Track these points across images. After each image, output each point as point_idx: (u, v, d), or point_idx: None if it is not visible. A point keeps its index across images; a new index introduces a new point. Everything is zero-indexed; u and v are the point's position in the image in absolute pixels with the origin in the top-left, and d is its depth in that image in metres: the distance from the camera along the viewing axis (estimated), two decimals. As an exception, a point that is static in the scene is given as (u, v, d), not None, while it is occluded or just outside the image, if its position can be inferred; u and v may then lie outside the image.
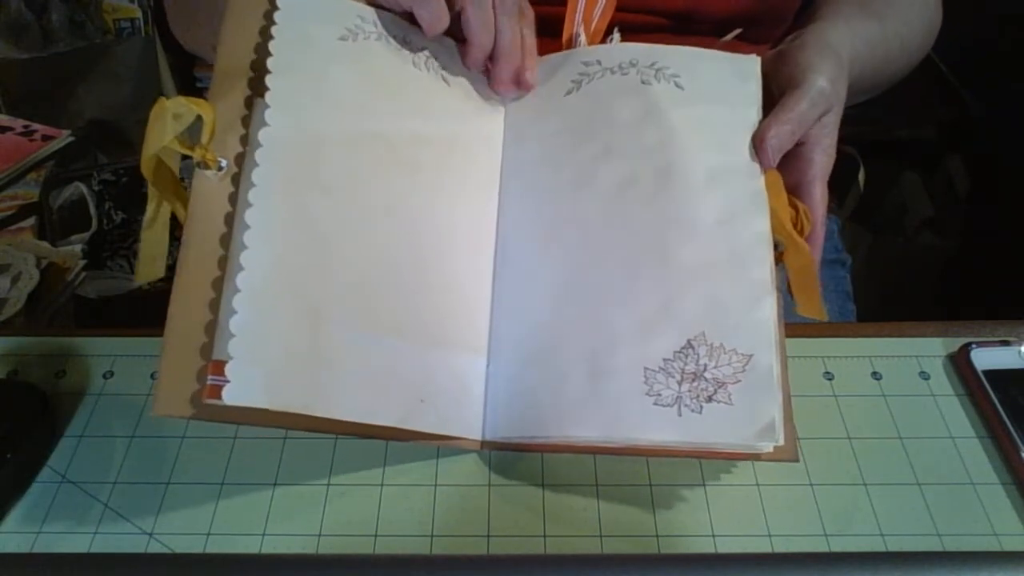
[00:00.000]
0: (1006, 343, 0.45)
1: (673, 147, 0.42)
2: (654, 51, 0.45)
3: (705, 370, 0.37)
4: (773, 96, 0.43)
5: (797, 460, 0.39)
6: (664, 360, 0.37)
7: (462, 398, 0.40)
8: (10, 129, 0.96)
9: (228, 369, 0.32)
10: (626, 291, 0.39)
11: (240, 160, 0.37)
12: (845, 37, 0.46)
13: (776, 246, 0.40)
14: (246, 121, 0.38)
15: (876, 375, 0.45)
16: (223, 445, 0.41)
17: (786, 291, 0.42)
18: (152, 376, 0.45)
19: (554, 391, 0.38)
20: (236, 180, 0.37)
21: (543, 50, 0.47)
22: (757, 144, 0.41)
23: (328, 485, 0.39)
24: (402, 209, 0.40)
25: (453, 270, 0.41)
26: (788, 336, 0.40)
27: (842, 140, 0.45)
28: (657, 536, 0.37)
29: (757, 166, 0.41)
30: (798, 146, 0.43)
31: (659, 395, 0.37)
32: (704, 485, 0.39)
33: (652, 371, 0.37)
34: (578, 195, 0.43)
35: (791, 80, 0.42)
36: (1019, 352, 0.44)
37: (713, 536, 0.37)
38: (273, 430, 0.41)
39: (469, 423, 0.40)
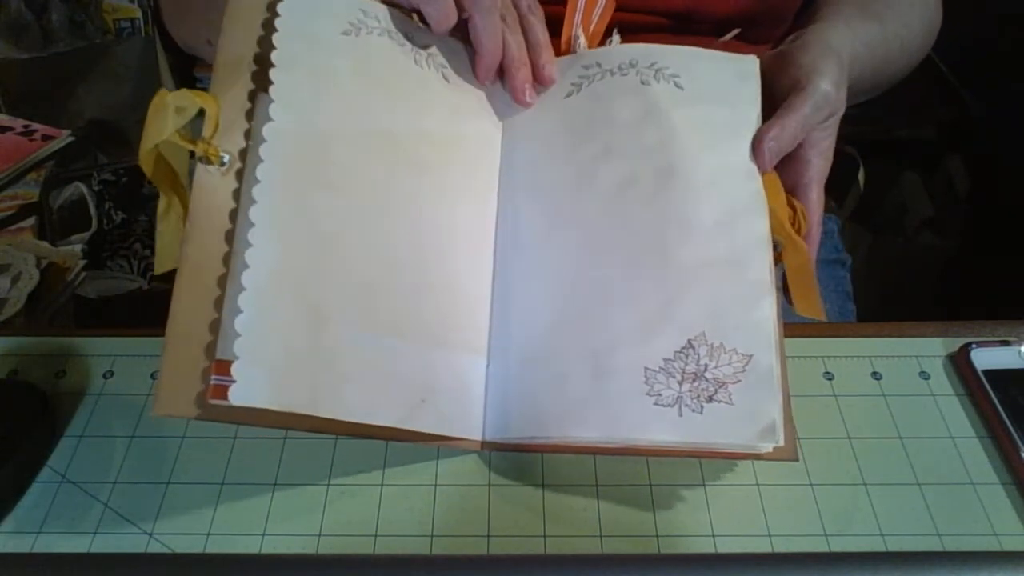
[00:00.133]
0: (1006, 343, 0.45)
1: (673, 147, 0.42)
2: (653, 51, 0.45)
3: (706, 370, 0.37)
4: (772, 97, 0.43)
5: (797, 460, 0.39)
6: (665, 360, 0.37)
7: (462, 398, 0.40)
8: (10, 129, 0.96)
9: (234, 369, 0.32)
10: (626, 291, 0.39)
11: (244, 155, 0.37)
12: (846, 39, 0.46)
13: (775, 246, 0.40)
14: (249, 115, 0.38)
15: (876, 375, 0.45)
16: (223, 445, 0.41)
17: (783, 291, 0.42)
18: (152, 376, 0.45)
19: (555, 391, 0.38)
20: (240, 175, 0.37)
21: None
22: (756, 146, 0.41)
23: (328, 485, 0.39)
24: (404, 207, 0.40)
25: (454, 270, 0.41)
26: (788, 336, 0.40)
27: (842, 140, 0.45)
28: (657, 536, 0.37)
29: (755, 168, 0.41)
30: (797, 148, 0.43)
31: (660, 395, 0.37)
32: (704, 485, 0.39)
33: (653, 371, 0.37)
34: (578, 195, 0.43)
35: (795, 83, 0.42)
36: (1019, 352, 0.44)
37: (713, 536, 0.37)
38: (273, 430, 0.41)
39: (469, 423, 0.40)
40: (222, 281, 0.35)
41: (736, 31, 0.48)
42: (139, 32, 1.34)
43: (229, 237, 0.35)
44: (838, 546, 0.37)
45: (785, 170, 0.43)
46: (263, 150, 0.36)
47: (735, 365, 0.37)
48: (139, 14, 1.34)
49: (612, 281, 0.40)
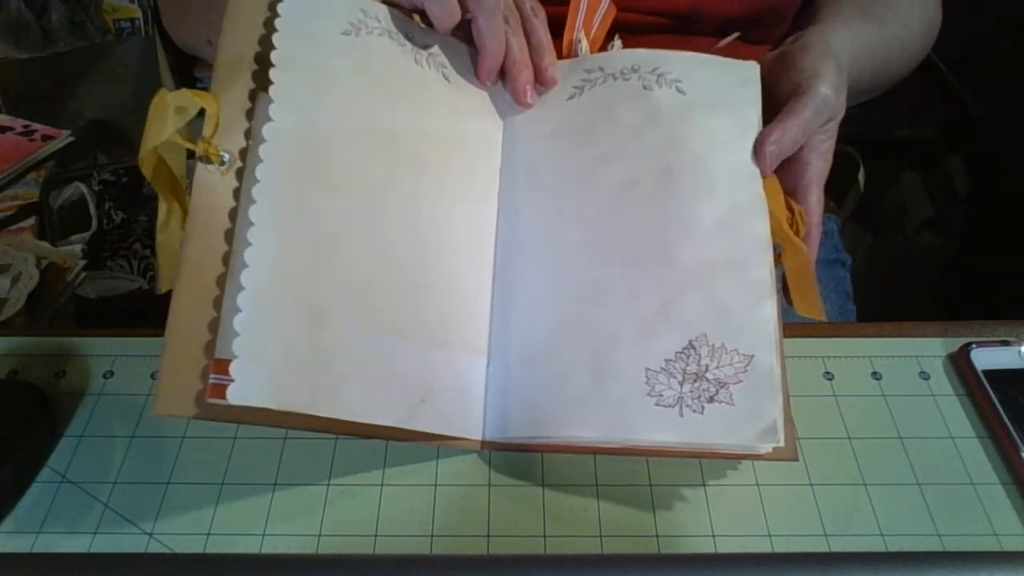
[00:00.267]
0: (1006, 343, 0.45)
1: (674, 149, 0.42)
2: (656, 57, 0.45)
3: (707, 370, 0.37)
4: (773, 100, 0.43)
5: (797, 460, 0.39)
6: (666, 361, 0.37)
7: (462, 398, 0.40)
8: (10, 129, 0.96)
9: (233, 368, 0.32)
10: (627, 292, 0.40)
11: (244, 154, 0.37)
12: (845, 41, 0.46)
13: (774, 248, 0.40)
14: (250, 115, 0.38)
15: (876, 375, 0.45)
16: (223, 445, 0.41)
17: (783, 292, 0.42)
18: (152, 376, 0.45)
19: (555, 391, 0.38)
20: (240, 175, 0.37)
21: None
22: (757, 149, 0.41)
23: (328, 485, 0.39)
24: (403, 207, 0.40)
25: (453, 270, 0.41)
26: (788, 336, 0.40)
27: (842, 140, 0.45)
28: (657, 536, 0.37)
29: (757, 168, 0.41)
30: (797, 150, 0.43)
31: (660, 395, 0.37)
32: (704, 485, 0.39)
33: (654, 372, 0.37)
34: (579, 196, 0.43)
35: (796, 87, 0.42)
36: (1019, 352, 0.44)
37: (713, 536, 0.37)
38: (273, 430, 0.41)
39: (469, 423, 0.40)
40: (222, 280, 0.35)
41: (736, 35, 0.48)
42: (139, 32, 1.34)
43: (229, 236, 0.35)
44: (838, 546, 0.37)
45: (785, 172, 0.43)
46: (263, 150, 0.36)
47: (736, 365, 0.37)
48: (139, 14, 1.34)
49: (613, 281, 0.40)
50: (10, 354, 0.46)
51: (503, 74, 0.45)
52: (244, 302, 0.33)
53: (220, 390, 0.32)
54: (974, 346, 0.44)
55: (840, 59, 0.44)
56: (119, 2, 1.33)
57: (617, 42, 0.48)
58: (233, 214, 0.36)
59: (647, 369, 0.37)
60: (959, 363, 0.45)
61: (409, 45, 0.43)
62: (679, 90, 0.44)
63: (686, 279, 0.39)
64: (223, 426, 0.42)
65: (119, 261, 0.98)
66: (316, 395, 0.34)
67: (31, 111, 1.09)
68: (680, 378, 0.37)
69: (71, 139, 0.96)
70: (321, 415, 0.34)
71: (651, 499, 0.39)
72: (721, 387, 0.36)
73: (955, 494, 0.39)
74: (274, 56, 0.37)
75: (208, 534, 0.38)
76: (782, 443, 0.35)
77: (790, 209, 0.42)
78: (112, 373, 0.45)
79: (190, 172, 0.37)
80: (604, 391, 0.37)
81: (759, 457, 0.38)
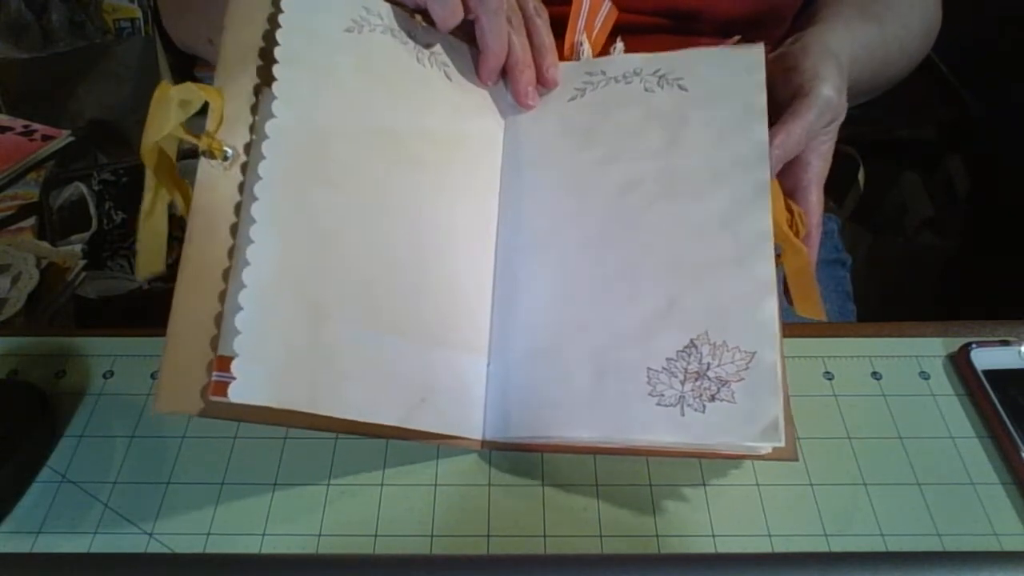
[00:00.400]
0: (1006, 343, 0.45)
1: (677, 148, 0.42)
2: (657, 59, 0.45)
3: (708, 369, 0.37)
4: (773, 101, 0.43)
5: (797, 460, 0.39)
6: (667, 360, 0.37)
7: (463, 398, 0.40)
8: (10, 129, 0.96)
9: (234, 366, 0.32)
10: (628, 291, 0.39)
11: (248, 149, 0.37)
12: (845, 41, 0.46)
13: (775, 248, 0.40)
14: (254, 109, 0.37)
15: (876, 375, 0.45)
16: (223, 445, 0.41)
17: (782, 292, 0.42)
18: (152, 376, 0.45)
19: (556, 391, 0.38)
20: (244, 169, 0.36)
21: None
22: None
23: (328, 485, 0.39)
24: (405, 205, 0.40)
25: (454, 269, 0.41)
26: (788, 336, 0.40)
27: (842, 140, 0.45)
28: (657, 536, 0.37)
29: (762, 156, 0.41)
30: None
31: (662, 395, 0.37)
32: (704, 485, 0.39)
33: (655, 371, 0.37)
34: (580, 195, 0.43)
35: (798, 88, 0.42)
36: (1019, 352, 0.44)
37: (713, 536, 0.37)
38: (273, 430, 0.41)
39: (470, 422, 0.40)
40: (227, 275, 0.35)
41: (737, 38, 0.48)
42: (139, 32, 1.34)
43: (233, 230, 0.35)
44: (838, 546, 0.37)
45: (785, 173, 0.43)
46: (265, 147, 0.36)
47: (738, 363, 0.36)
48: (139, 14, 1.34)
49: (613, 281, 0.40)
50: (10, 354, 0.46)
51: (505, 74, 0.45)
52: (246, 300, 0.33)
53: (222, 387, 0.32)
54: (974, 346, 0.44)
55: (840, 59, 0.44)
56: (119, 2, 1.33)
57: (619, 44, 0.48)
58: (237, 208, 0.36)
59: (649, 369, 0.37)
60: (959, 363, 0.45)
61: (411, 43, 0.43)
62: (681, 87, 0.44)
63: (687, 277, 0.39)
64: (223, 426, 0.42)
65: (119, 261, 0.97)
66: (316, 393, 0.34)
67: (31, 111, 1.09)
68: (681, 377, 0.37)
69: (71, 139, 0.96)
70: (321, 414, 0.34)
71: (651, 499, 0.39)
72: (723, 385, 0.36)
73: (955, 494, 0.39)
74: (277, 52, 0.37)
75: (208, 534, 0.38)
76: (783, 442, 0.35)
77: (790, 211, 0.42)
78: (112, 373, 0.45)
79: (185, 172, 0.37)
80: (605, 391, 0.37)
81: (759, 457, 0.38)
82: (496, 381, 0.40)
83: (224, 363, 0.33)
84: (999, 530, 0.38)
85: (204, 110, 0.36)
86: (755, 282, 0.38)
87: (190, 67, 1.39)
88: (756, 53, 0.44)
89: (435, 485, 0.39)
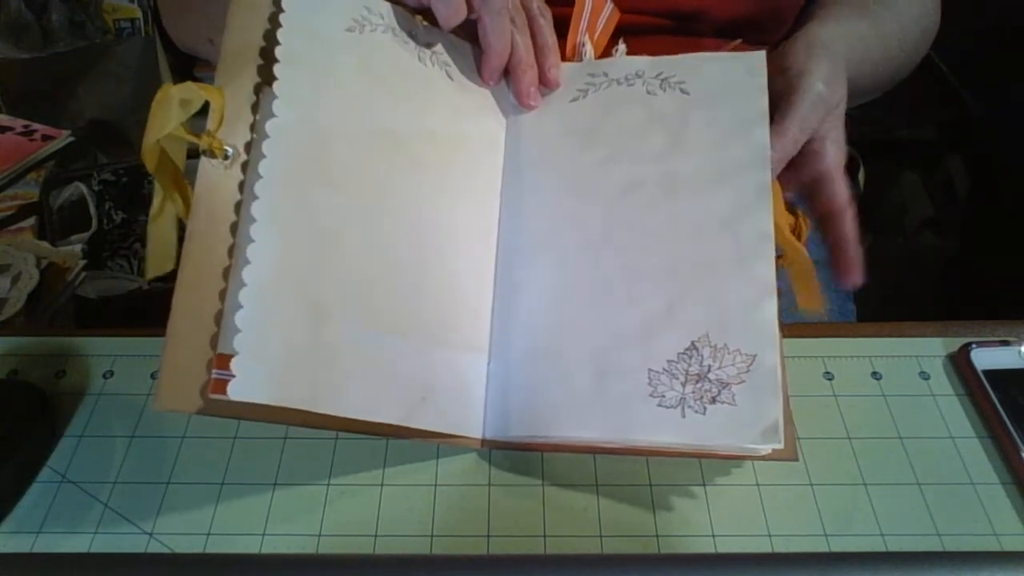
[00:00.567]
0: (1006, 343, 0.45)
1: (678, 150, 0.42)
2: (660, 62, 0.45)
3: (709, 371, 0.37)
4: (770, 99, 0.43)
5: (797, 460, 0.39)
6: (668, 362, 0.37)
7: (463, 397, 0.40)
8: (10, 129, 0.96)
9: (234, 364, 0.32)
10: (629, 292, 0.40)
11: (249, 148, 0.37)
12: (837, 34, 0.46)
13: (775, 249, 0.40)
14: (255, 108, 0.37)
15: (876, 375, 0.45)
16: (223, 445, 0.41)
17: (786, 290, 0.42)
18: (152, 376, 0.45)
19: (557, 391, 0.38)
20: (244, 168, 0.36)
21: None
22: None
23: (328, 485, 0.39)
24: (405, 205, 0.40)
25: (455, 269, 0.41)
26: (788, 336, 0.40)
27: (842, 140, 0.45)
28: (657, 536, 0.37)
29: (763, 158, 0.41)
30: (807, 143, 0.42)
31: (663, 396, 0.37)
32: (704, 485, 0.39)
33: (656, 372, 0.37)
34: (582, 197, 0.43)
35: (787, 86, 0.42)
36: (1019, 352, 0.44)
37: (713, 536, 0.37)
38: (273, 430, 0.41)
39: (470, 422, 0.40)
40: (227, 273, 0.35)
41: (737, 41, 0.48)
42: (139, 32, 1.34)
43: (234, 229, 0.35)
44: (838, 546, 0.37)
45: (801, 166, 0.43)
46: (266, 146, 0.36)
47: (739, 365, 0.37)
48: (139, 14, 1.34)
49: (615, 282, 0.40)
50: (10, 354, 0.46)
51: (507, 74, 0.45)
52: (246, 298, 0.33)
53: (222, 385, 0.32)
54: (974, 346, 0.44)
55: (832, 50, 0.44)
56: (119, 2, 1.33)
57: (621, 46, 0.48)
58: (237, 207, 0.36)
59: (650, 370, 0.37)
60: (959, 363, 0.45)
61: (412, 43, 0.43)
62: (683, 91, 0.44)
63: (689, 279, 0.39)
64: (223, 426, 0.42)
65: (119, 261, 0.98)
66: (317, 392, 0.34)
67: (31, 111, 1.09)
68: (682, 379, 0.37)
69: (71, 139, 0.96)
70: (322, 412, 0.34)
71: (651, 499, 0.39)
72: (723, 388, 0.36)
73: (955, 494, 0.39)
74: (278, 51, 0.37)
75: (208, 534, 0.38)
76: (783, 444, 0.35)
77: (792, 214, 0.42)
78: (112, 373, 0.45)
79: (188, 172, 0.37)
80: (606, 391, 0.37)
81: (759, 457, 0.38)
82: (496, 381, 0.40)
83: (224, 361, 0.33)
84: (999, 530, 0.38)
85: (205, 110, 0.36)
86: (756, 283, 0.38)
87: (190, 67, 1.39)
88: (757, 58, 0.44)
89: (435, 485, 0.39)
